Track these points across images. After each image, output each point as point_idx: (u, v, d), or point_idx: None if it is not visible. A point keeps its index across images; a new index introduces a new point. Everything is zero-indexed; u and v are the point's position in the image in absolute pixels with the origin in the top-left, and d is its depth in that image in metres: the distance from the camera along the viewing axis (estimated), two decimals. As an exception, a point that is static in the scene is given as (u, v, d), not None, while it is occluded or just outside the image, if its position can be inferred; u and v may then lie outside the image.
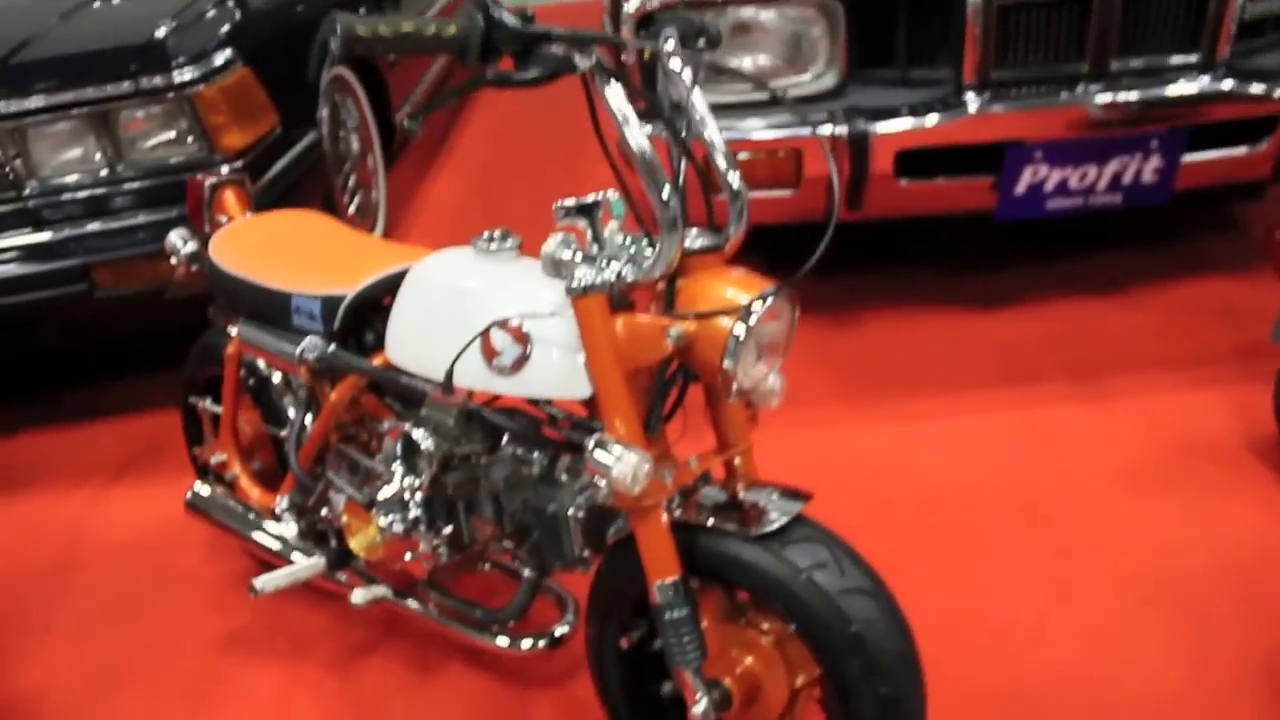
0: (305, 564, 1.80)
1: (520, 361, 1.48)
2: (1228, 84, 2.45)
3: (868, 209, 2.58)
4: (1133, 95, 2.46)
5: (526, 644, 1.76)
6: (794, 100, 2.57)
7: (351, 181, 3.58)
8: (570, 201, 1.41)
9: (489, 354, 1.50)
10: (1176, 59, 2.49)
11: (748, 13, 2.50)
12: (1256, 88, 2.45)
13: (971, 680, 1.82)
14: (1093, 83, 2.49)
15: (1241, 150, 2.58)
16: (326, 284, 1.74)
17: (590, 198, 1.42)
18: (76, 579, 2.39)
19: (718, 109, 2.45)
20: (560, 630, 1.77)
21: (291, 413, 1.96)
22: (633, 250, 1.40)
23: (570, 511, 1.57)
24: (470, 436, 1.52)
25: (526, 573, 1.70)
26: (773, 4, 2.48)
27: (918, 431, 2.51)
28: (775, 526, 1.39)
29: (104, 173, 2.63)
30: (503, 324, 1.47)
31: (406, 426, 1.51)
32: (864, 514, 2.25)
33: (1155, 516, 2.17)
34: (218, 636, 2.15)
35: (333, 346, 1.76)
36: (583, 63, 1.26)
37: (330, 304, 1.73)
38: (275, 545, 1.97)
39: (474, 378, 1.51)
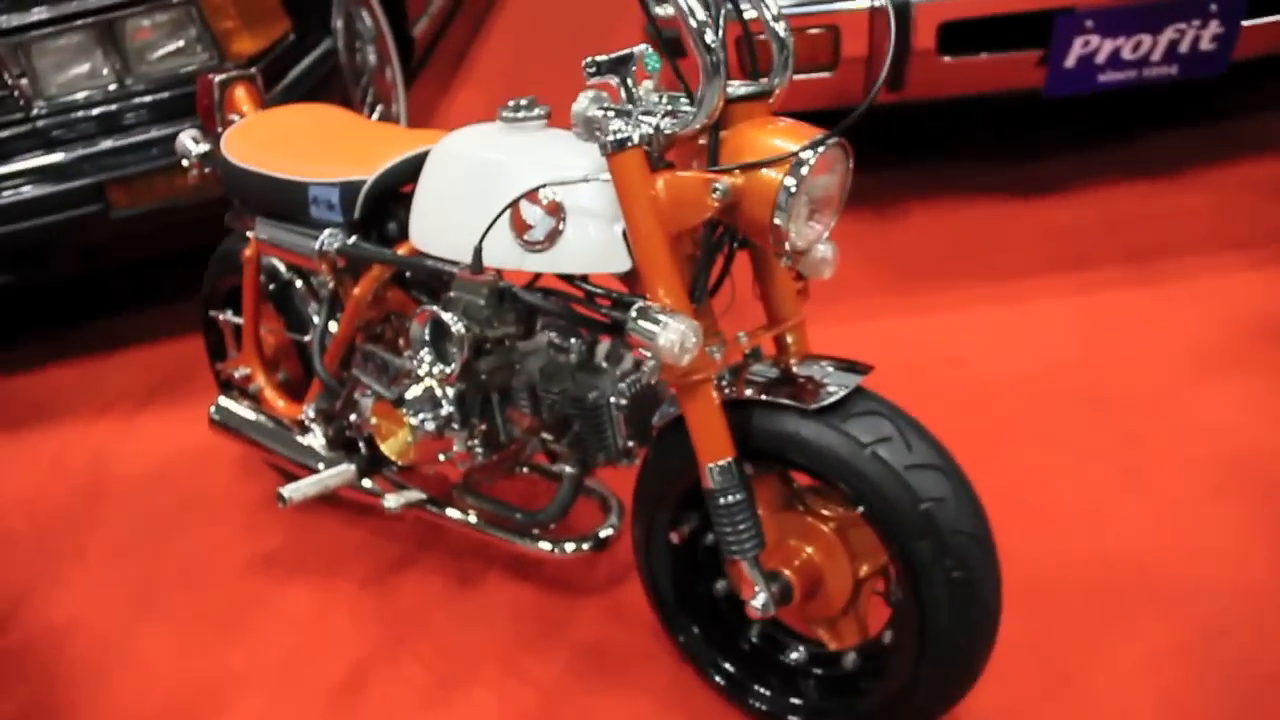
0: (334, 471, 1.72)
1: (553, 235, 1.38)
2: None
3: (910, 89, 2.43)
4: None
5: (570, 547, 1.69)
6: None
7: (370, 96, 3.45)
8: (602, 57, 1.30)
9: (520, 228, 1.40)
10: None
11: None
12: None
13: (1036, 571, 1.73)
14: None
15: (1311, 12, 2.40)
16: (344, 170, 1.64)
17: (623, 52, 1.31)
18: (104, 507, 2.34)
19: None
20: (605, 532, 1.69)
21: (314, 314, 1.88)
22: (669, 106, 1.29)
23: (612, 399, 1.49)
24: (503, 318, 1.42)
25: (567, 470, 1.61)
26: None
27: (968, 321, 2.39)
28: (835, 399, 1.29)
29: (113, 87, 2.53)
30: (533, 195, 1.37)
31: (435, 309, 1.42)
32: (917, 405, 2.13)
33: (1225, 401, 2.05)
34: (250, 557, 2.10)
35: (354, 237, 1.67)
36: None
37: (349, 190, 1.63)
38: (303, 456, 1.89)
39: (504, 255, 1.42)
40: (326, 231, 1.66)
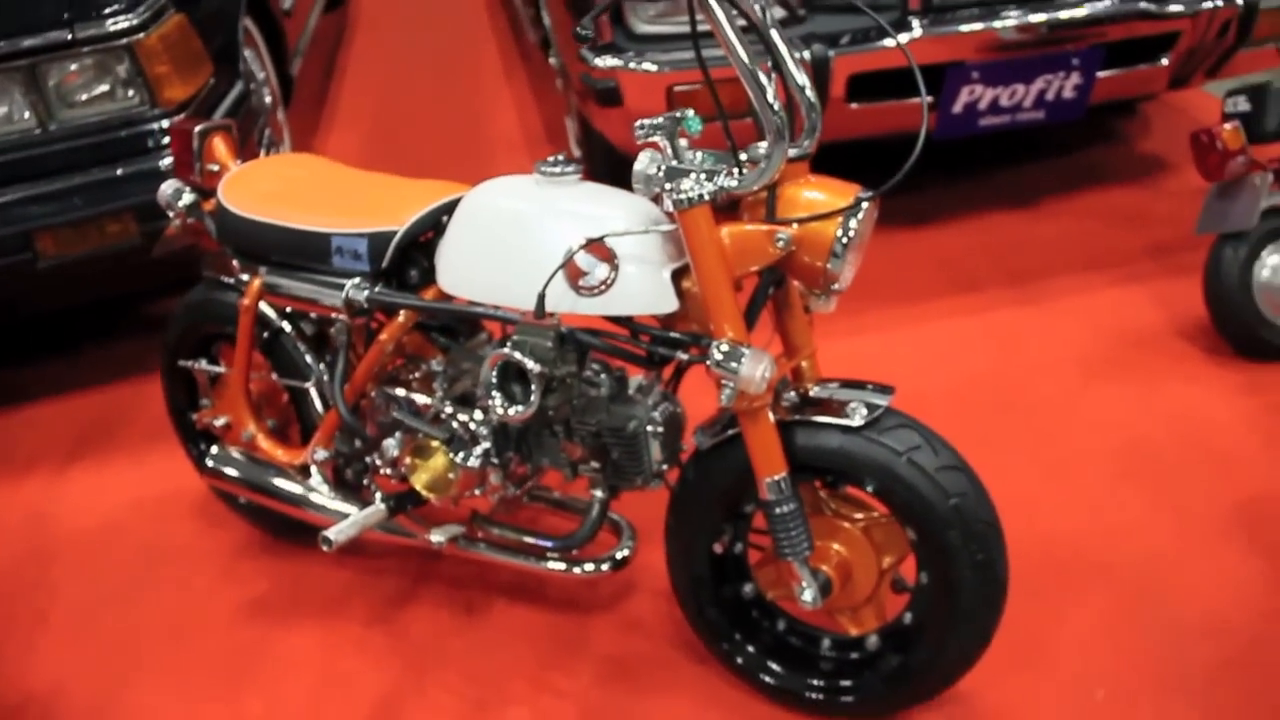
0: (369, 510, 1.78)
1: (607, 281, 1.51)
2: (1140, 3, 2.68)
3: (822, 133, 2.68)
4: (1059, 14, 2.65)
5: (590, 567, 1.81)
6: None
7: (266, 137, 3.43)
8: (650, 120, 1.45)
9: (574, 276, 1.52)
10: (1096, -20, 2.70)
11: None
12: (1166, 5, 2.69)
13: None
14: (1021, 6, 2.67)
15: (1147, 66, 2.82)
16: (371, 221, 1.71)
17: (666, 116, 1.46)
18: (57, 569, 2.26)
19: (686, 37, 2.52)
20: (622, 552, 1.82)
21: (312, 360, 1.92)
22: (711, 164, 1.45)
23: (649, 428, 1.63)
24: (565, 358, 1.54)
25: (598, 494, 1.74)
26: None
27: (888, 342, 2.66)
28: (874, 417, 1.49)
29: (37, 132, 2.45)
30: (591, 244, 1.50)
31: (506, 352, 1.52)
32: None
33: (1111, 399, 2.39)
34: (239, 604, 2.09)
35: (378, 285, 1.74)
36: None
37: (378, 241, 1.70)
38: (316, 498, 1.92)
39: (558, 300, 1.54)
40: (353, 280, 1.73)
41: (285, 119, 3.71)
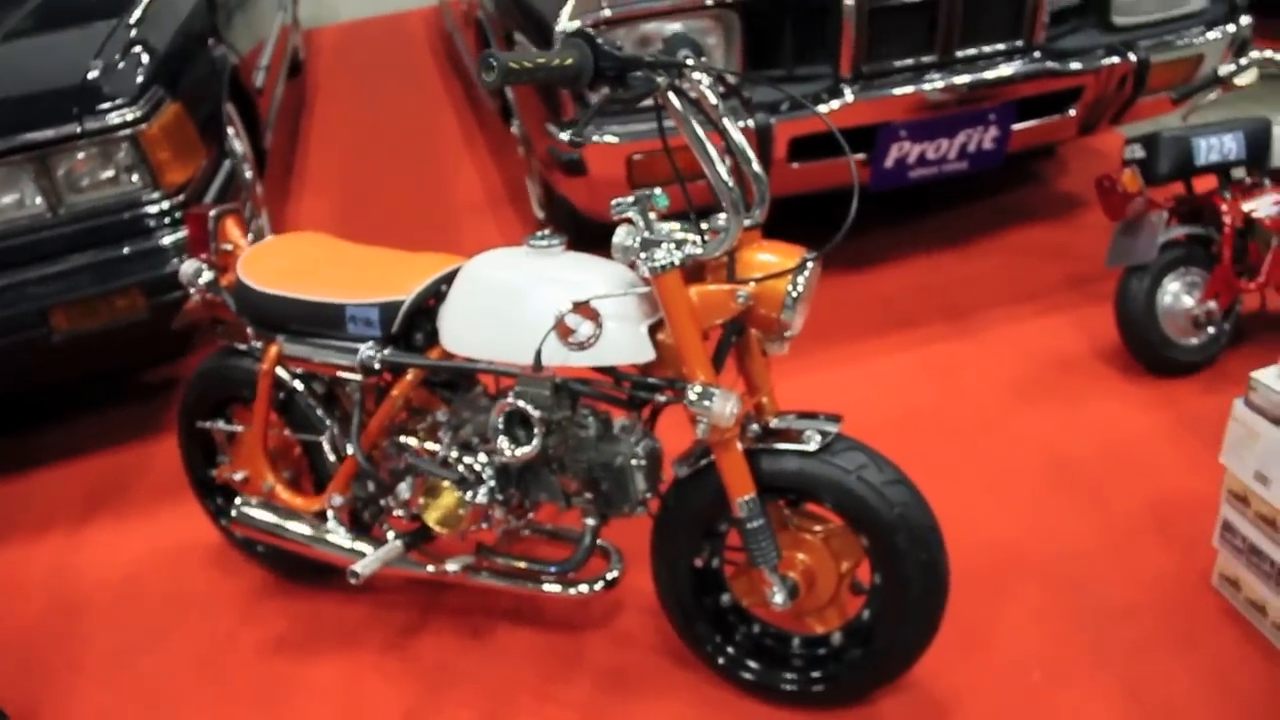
0: (388, 547, 1.99)
1: (594, 336, 1.75)
2: (1047, 63, 3.01)
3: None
4: (974, 77, 2.97)
5: (584, 588, 2.03)
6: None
7: (249, 210, 3.65)
8: (624, 199, 1.71)
9: (564, 333, 1.77)
10: (1005, 46, 3.02)
11: (652, 27, 2.83)
12: (1070, 64, 3.02)
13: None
14: (942, 70, 2.98)
15: (1058, 117, 3.15)
16: (381, 292, 1.94)
17: (636, 195, 1.72)
18: (84, 619, 2.44)
19: (641, 110, 2.79)
20: (612, 574, 2.04)
21: (335, 414, 2.14)
22: (680, 235, 1.70)
23: (634, 462, 1.87)
24: (561, 404, 1.78)
25: (589, 522, 1.96)
26: (675, 17, 2.82)
27: (837, 378, 2.93)
28: (827, 442, 1.74)
29: (48, 216, 2.66)
30: (578, 306, 1.74)
31: (511, 401, 1.76)
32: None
33: (1042, 419, 2.67)
34: (261, 643, 2.29)
35: (388, 348, 1.97)
36: (663, 82, 1.55)
37: (389, 309, 1.93)
38: (336, 539, 2.13)
39: (550, 355, 1.78)
40: (366, 345, 1.95)
41: (262, 191, 3.93)
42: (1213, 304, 2.70)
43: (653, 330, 1.77)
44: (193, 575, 2.52)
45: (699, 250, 1.66)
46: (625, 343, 1.75)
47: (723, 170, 1.60)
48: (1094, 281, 3.24)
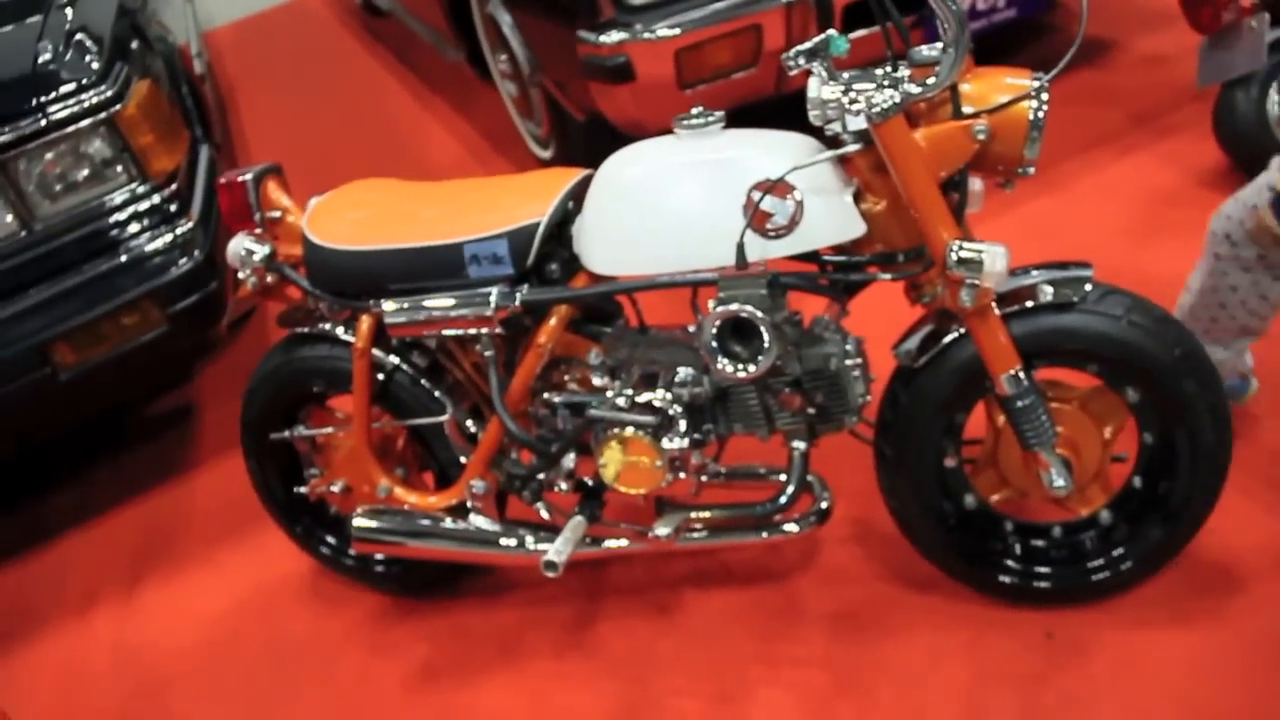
0: (573, 523, 1.67)
1: (794, 218, 1.45)
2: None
3: (794, 81, 2.65)
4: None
5: (793, 527, 1.72)
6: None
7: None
8: (801, 47, 1.40)
9: (759, 221, 1.46)
10: None
11: None
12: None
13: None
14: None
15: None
16: (507, 219, 1.60)
17: (814, 40, 1.41)
18: (173, 699, 2.04)
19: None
20: (824, 503, 1.75)
21: (442, 391, 1.80)
22: (880, 78, 1.41)
23: (848, 361, 1.57)
24: (779, 304, 1.47)
25: (798, 445, 1.65)
26: None
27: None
28: (1086, 289, 1.47)
29: (22, 235, 2.22)
30: (773, 185, 1.43)
31: (736, 308, 1.44)
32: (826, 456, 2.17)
33: (1172, 257, 2.43)
34: (407, 677, 1.93)
35: (525, 286, 1.63)
36: None
37: (520, 238, 1.59)
38: (491, 534, 1.78)
39: (748, 248, 1.47)
40: (496, 288, 1.61)
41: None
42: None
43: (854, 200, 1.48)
44: (290, 617, 2.14)
45: (918, 89, 1.37)
46: (832, 220, 1.46)
47: None
48: (1155, 116, 3.02)
